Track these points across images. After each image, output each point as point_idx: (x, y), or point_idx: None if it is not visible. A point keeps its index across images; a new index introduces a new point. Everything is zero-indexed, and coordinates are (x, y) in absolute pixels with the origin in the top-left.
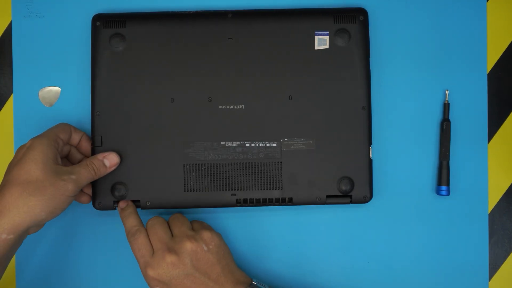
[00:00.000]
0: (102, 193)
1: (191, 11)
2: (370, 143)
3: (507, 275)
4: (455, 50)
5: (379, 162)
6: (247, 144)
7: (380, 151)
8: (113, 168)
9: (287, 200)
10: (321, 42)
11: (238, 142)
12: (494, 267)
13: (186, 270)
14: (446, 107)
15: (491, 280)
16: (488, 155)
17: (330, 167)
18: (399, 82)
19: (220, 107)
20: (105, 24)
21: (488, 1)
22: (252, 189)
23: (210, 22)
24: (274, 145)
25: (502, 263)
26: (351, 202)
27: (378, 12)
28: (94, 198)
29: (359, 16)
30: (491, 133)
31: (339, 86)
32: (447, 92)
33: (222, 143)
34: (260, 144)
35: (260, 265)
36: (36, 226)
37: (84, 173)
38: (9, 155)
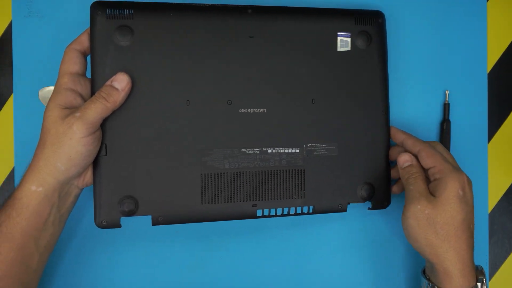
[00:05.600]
0: (108, 209)
1: (207, 4)
2: (388, 147)
3: (507, 275)
4: (455, 50)
5: None
6: (269, 151)
7: None
8: (127, 91)
9: (309, 209)
10: (343, 43)
11: (260, 149)
12: (494, 267)
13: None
14: (446, 107)
15: (491, 280)
16: (488, 155)
17: (352, 173)
18: (399, 82)
19: (241, 111)
20: (108, 14)
21: (488, 1)
22: (274, 199)
23: (229, 17)
24: (297, 151)
25: (502, 263)
26: (371, 208)
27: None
28: (97, 214)
29: (378, 19)
30: (491, 133)
31: (359, 90)
32: (447, 92)
33: (242, 150)
34: (283, 151)
35: (263, 268)
36: (68, 182)
37: (91, 106)
38: (10, 155)
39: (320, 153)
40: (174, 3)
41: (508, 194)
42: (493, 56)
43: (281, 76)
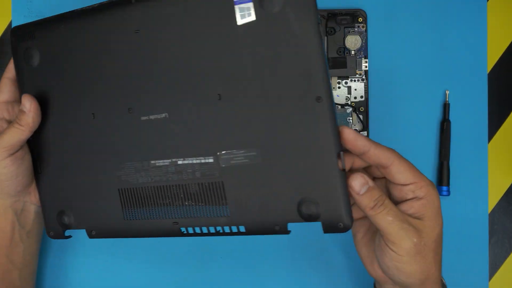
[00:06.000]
0: (51, 222)
1: (95, 4)
2: (338, 148)
3: (507, 275)
4: (455, 50)
5: None
6: (180, 162)
7: None
8: (35, 111)
9: (239, 229)
10: (244, 12)
11: (170, 160)
12: (494, 267)
13: None
14: (446, 107)
15: (491, 280)
16: (488, 155)
17: (284, 186)
18: (399, 82)
19: (143, 118)
20: (19, 38)
21: (488, 1)
22: (195, 216)
23: (113, 13)
24: (211, 160)
25: (502, 263)
26: (324, 231)
27: (377, 12)
28: (46, 226)
29: None
30: (491, 133)
31: (280, 72)
32: (447, 92)
33: (152, 162)
34: (194, 161)
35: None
36: (17, 200)
37: (7, 131)
38: None
39: (239, 161)
40: (69, 12)
41: (508, 194)
42: (493, 56)
43: (177, 71)
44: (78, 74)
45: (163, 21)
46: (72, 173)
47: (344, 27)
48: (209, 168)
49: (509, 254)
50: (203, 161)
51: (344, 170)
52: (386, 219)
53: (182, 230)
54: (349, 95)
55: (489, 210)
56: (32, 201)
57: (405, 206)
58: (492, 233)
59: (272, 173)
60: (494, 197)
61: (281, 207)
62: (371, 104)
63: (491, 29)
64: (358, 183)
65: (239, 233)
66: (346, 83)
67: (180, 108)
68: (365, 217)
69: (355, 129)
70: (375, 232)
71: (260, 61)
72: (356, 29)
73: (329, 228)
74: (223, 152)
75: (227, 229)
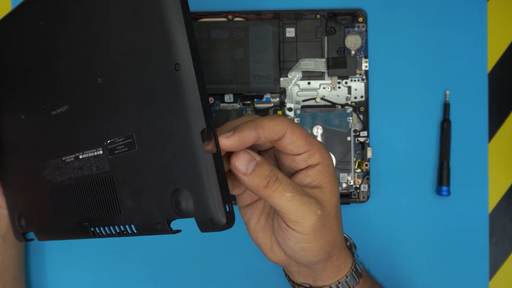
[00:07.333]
0: (14, 225)
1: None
2: (209, 123)
3: (507, 275)
4: (455, 50)
5: (379, 161)
6: (81, 156)
7: (380, 151)
8: None
9: (132, 229)
10: None
11: (74, 155)
12: (494, 267)
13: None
14: (446, 107)
15: (491, 280)
16: (489, 155)
17: (158, 176)
18: (399, 82)
19: (53, 113)
20: None
21: (488, 1)
22: (98, 215)
23: (24, 9)
24: (100, 152)
25: (502, 263)
26: (200, 229)
27: (377, 12)
28: (12, 230)
29: None
30: (492, 133)
31: (142, 42)
32: (447, 92)
33: (63, 158)
34: (90, 154)
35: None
36: None
37: None
38: None
39: (121, 151)
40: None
41: (508, 194)
42: (494, 56)
43: (72, 61)
44: (11, 78)
45: (64, 12)
46: (18, 176)
47: (344, 27)
48: (100, 161)
49: (509, 254)
50: (95, 153)
51: (217, 152)
52: (284, 196)
53: (92, 231)
54: (349, 95)
55: (490, 210)
56: (2, 205)
57: (299, 177)
58: (492, 233)
59: (146, 161)
60: (494, 197)
61: (158, 202)
62: (371, 104)
63: (491, 29)
64: (243, 161)
65: (132, 234)
66: (346, 83)
67: (77, 99)
68: (255, 202)
69: (354, 127)
70: (269, 214)
71: (121, 38)
72: (356, 29)
73: (203, 226)
74: (108, 141)
75: (121, 229)
